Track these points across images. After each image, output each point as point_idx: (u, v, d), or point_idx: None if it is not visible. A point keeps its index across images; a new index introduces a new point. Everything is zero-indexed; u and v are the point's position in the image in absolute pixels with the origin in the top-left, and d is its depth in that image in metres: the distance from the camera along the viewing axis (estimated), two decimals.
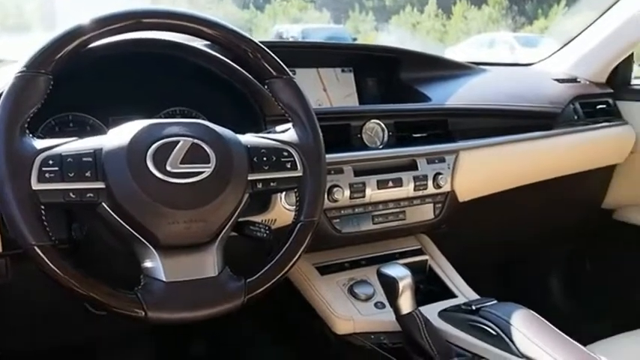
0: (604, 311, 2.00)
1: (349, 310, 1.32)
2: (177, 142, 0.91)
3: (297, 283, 1.38)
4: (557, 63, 2.01)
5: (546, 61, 2.06)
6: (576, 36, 1.98)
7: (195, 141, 0.92)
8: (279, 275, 0.99)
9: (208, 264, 0.93)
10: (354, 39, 15.21)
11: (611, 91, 1.94)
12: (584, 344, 1.19)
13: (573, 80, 1.91)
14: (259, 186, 0.98)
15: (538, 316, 1.21)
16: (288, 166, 1.01)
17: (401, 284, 1.16)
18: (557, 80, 1.88)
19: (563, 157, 1.77)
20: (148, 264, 0.90)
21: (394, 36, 19.49)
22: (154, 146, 0.90)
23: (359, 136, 1.37)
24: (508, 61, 2.19)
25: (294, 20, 19.27)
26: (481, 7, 19.32)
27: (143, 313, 0.86)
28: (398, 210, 1.41)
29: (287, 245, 1.01)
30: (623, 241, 1.99)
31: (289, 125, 1.06)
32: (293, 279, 1.38)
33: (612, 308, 1.99)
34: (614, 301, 2.03)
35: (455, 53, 12.21)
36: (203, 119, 1.11)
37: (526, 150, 1.65)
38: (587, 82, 1.92)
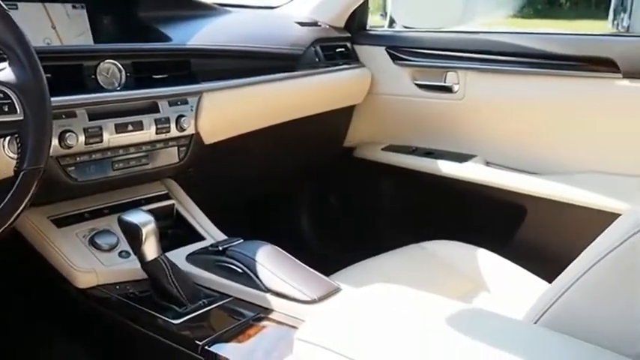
0: (349, 242, 2.13)
1: (91, 262, 1.25)
2: None
3: (31, 238, 1.27)
4: (299, 7, 2.05)
5: (290, 4, 2.09)
6: None
7: None
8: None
9: None
10: None
11: (349, 35, 2.03)
12: (328, 274, 1.25)
13: (314, 24, 1.97)
14: None
15: (282, 250, 1.25)
16: (6, 109, 0.91)
17: (144, 230, 1.13)
18: (299, 23, 1.92)
19: (306, 98, 1.83)
20: None
21: None
22: None
23: (93, 77, 1.28)
24: (254, 4, 2.19)
25: None
26: None
27: None
28: (140, 155, 1.35)
29: (8, 197, 0.92)
30: (363, 176, 2.13)
31: (5, 64, 0.95)
32: (26, 234, 1.27)
33: (356, 238, 2.14)
34: (357, 231, 2.18)
35: None
36: None
37: (270, 91, 1.68)
38: (327, 26, 1.99)
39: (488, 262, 1.47)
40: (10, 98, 0.92)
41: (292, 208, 2.31)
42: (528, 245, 1.74)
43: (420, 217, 2.03)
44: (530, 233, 1.77)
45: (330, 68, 1.90)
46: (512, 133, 1.82)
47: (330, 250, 2.15)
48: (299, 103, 1.81)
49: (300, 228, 2.29)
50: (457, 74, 1.86)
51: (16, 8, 1.32)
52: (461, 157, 1.88)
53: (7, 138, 1.07)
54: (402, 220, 2.09)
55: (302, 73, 1.79)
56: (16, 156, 0.96)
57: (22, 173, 0.93)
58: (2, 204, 0.91)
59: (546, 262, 1.18)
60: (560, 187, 1.66)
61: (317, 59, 1.88)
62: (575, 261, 0.85)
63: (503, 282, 1.42)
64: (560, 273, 0.87)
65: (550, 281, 0.89)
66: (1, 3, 0.95)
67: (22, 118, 0.93)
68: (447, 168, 1.86)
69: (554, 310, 0.84)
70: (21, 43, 0.95)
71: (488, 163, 1.86)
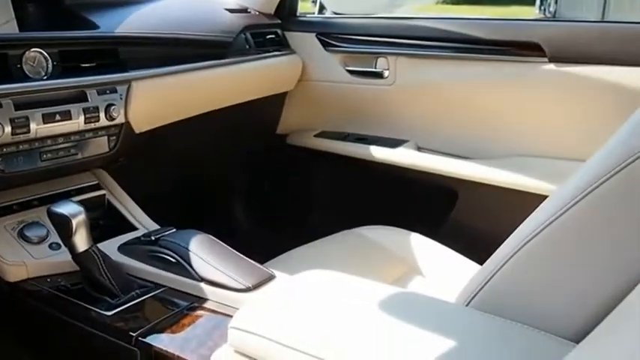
0: (283, 229, 2.14)
1: (20, 255, 1.23)
2: None
3: None
4: None
5: None
6: None
7: None
8: None
9: None
10: None
11: (279, 21, 2.03)
12: (263, 262, 1.26)
13: (244, 10, 1.96)
14: None
15: (215, 239, 1.26)
16: None
17: (74, 221, 1.12)
18: (229, 10, 1.91)
19: (237, 85, 1.83)
20: None
21: None
22: None
23: (19, 66, 1.25)
24: None
25: None
26: None
27: None
28: (69, 145, 1.33)
29: None
30: (296, 162, 2.14)
31: None
32: None
33: (290, 226, 2.15)
34: (290, 219, 2.19)
35: None
36: None
37: (201, 79, 1.67)
38: (257, 13, 1.99)
39: (421, 246, 1.50)
40: None
41: (226, 196, 2.30)
42: (461, 229, 1.78)
43: (354, 202, 2.05)
44: (462, 217, 1.81)
45: (261, 55, 1.90)
46: (442, 118, 1.86)
47: (265, 237, 2.16)
48: (230, 90, 1.81)
49: (235, 216, 2.29)
50: (387, 60, 1.89)
51: None
52: (393, 143, 1.91)
53: None
54: (336, 207, 2.11)
55: (232, 61, 1.78)
56: None
57: None
58: None
59: (478, 245, 1.21)
60: (490, 170, 1.70)
61: (247, 46, 1.88)
62: (503, 243, 0.88)
63: (436, 266, 1.45)
64: (491, 255, 0.90)
65: (482, 264, 0.92)
66: None
67: None
68: (379, 153, 1.89)
69: (484, 292, 0.86)
70: None
71: (419, 148, 1.90)
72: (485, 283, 0.86)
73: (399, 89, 1.89)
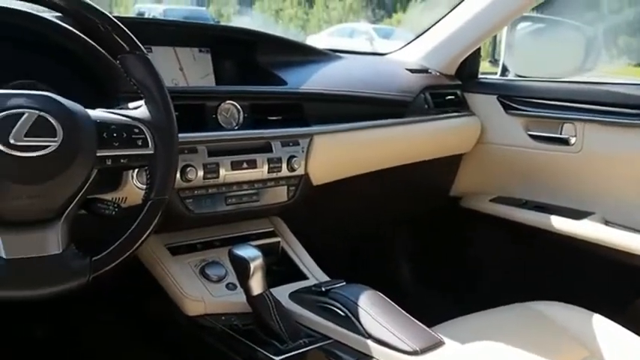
0: (449, 294, 2.09)
1: (200, 291, 1.30)
2: (22, 114, 0.87)
3: (148, 263, 1.34)
4: (410, 54, 2.07)
5: (400, 51, 2.11)
6: (428, 29, 2.05)
7: (42, 114, 0.88)
8: (126, 254, 0.97)
9: (52, 241, 0.90)
10: (217, 22, 15.10)
11: (460, 83, 2.02)
12: (430, 325, 1.23)
13: (425, 71, 1.98)
14: (108, 163, 0.95)
15: (385, 297, 1.25)
16: (139, 143, 0.98)
17: (252, 265, 1.16)
18: (410, 70, 1.93)
19: (414, 144, 1.83)
20: None
21: (257, 21, 19.45)
22: None
23: (214, 116, 1.35)
24: (366, 50, 2.23)
25: (156, 0, 18.66)
26: None
27: None
28: (252, 191, 1.40)
29: (136, 224, 0.99)
30: (468, 226, 2.09)
31: (141, 102, 1.03)
32: (143, 259, 1.34)
33: (459, 290, 2.09)
34: (460, 283, 2.13)
35: (316, 41, 12.39)
36: (52, 93, 1.05)
37: (379, 136, 1.69)
38: (438, 74, 1.99)
39: (604, 329, 1.38)
40: (143, 133, 0.99)
41: (393, 253, 2.29)
42: None
43: (527, 274, 1.95)
44: None
45: (440, 116, 1.89)
46: (634, 191, 1.72)
47: (431, 300, 2.11)
48: (406, 149, 1.81)
49: (400, 274, 2.27)
50: (574, 126, 1.79)
51: (151, 51, 1.41)
52: (576, 214, 1.79)
53: (137, 170, 1.16)
54: (507, 276, 2.01)
55: (411, 120, 1.79)
56: (143, 186, 1.05)
57: (149, 202, 1.00)
58: (130, 230, 0.98)
59: None
60: None
61: (426, 106, 1.87)
62: None
63: (621, 353, 1.32)
64: None
65: None
66: (143, 48, 1.03)
67: (152, 152, 0.99)
68: (560, 224, 1.78)
69: None
70: (157, 85, 1.03)
71: (607, 222, 1.77)
72: None
73: (587, 157, 1.78)
